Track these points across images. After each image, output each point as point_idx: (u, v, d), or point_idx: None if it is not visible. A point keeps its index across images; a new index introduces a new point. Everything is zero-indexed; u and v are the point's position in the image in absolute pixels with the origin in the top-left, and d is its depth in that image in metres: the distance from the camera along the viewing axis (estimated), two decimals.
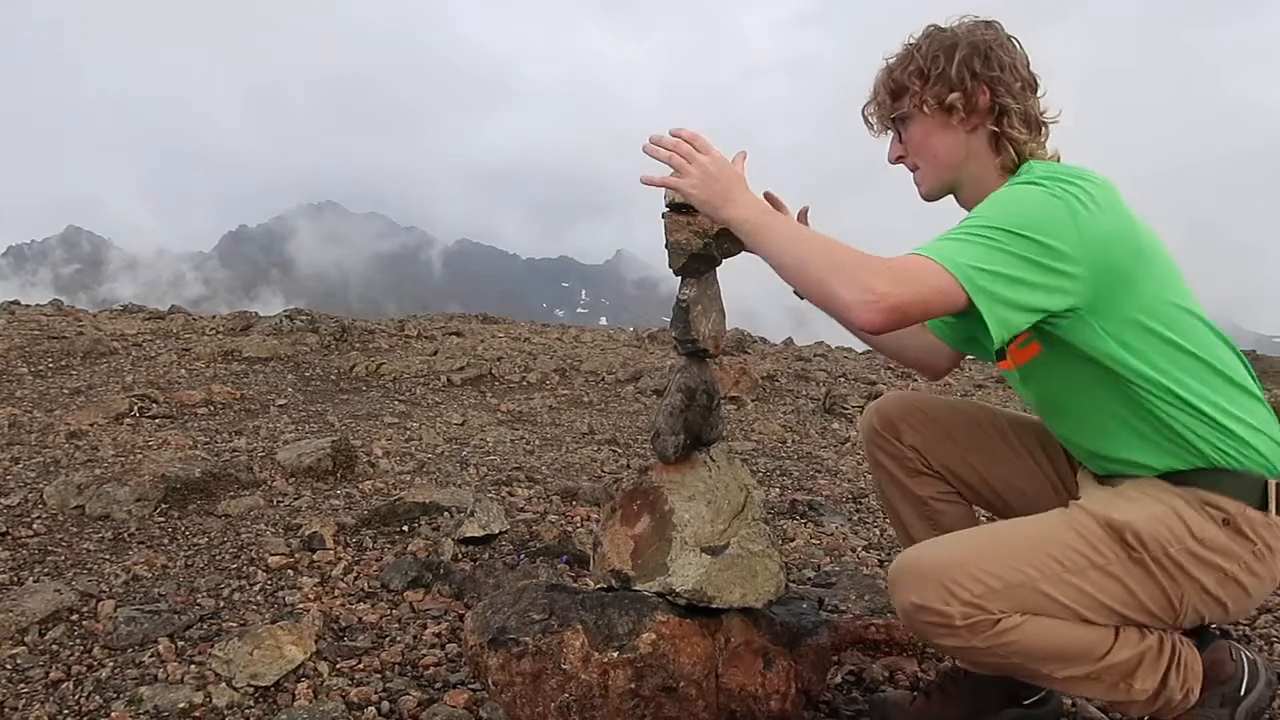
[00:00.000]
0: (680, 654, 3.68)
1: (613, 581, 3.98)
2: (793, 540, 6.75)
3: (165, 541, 6.41)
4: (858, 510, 7.77)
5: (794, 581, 5.39)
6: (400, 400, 13.05)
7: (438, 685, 4.42)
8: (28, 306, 21.17)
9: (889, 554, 6.47)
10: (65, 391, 12.20)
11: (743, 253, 4.00)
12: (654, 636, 3.66)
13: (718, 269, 4.03)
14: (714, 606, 3.83)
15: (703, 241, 3.83)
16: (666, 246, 3.89)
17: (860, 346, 25.64)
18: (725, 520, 3.92)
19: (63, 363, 14.15)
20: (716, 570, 3.82)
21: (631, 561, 3.93)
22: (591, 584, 4.23)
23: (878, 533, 7.05)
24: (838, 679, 4.47)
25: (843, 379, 16.92)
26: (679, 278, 3.95)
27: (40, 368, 13.69)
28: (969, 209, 3.40)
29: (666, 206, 3.92)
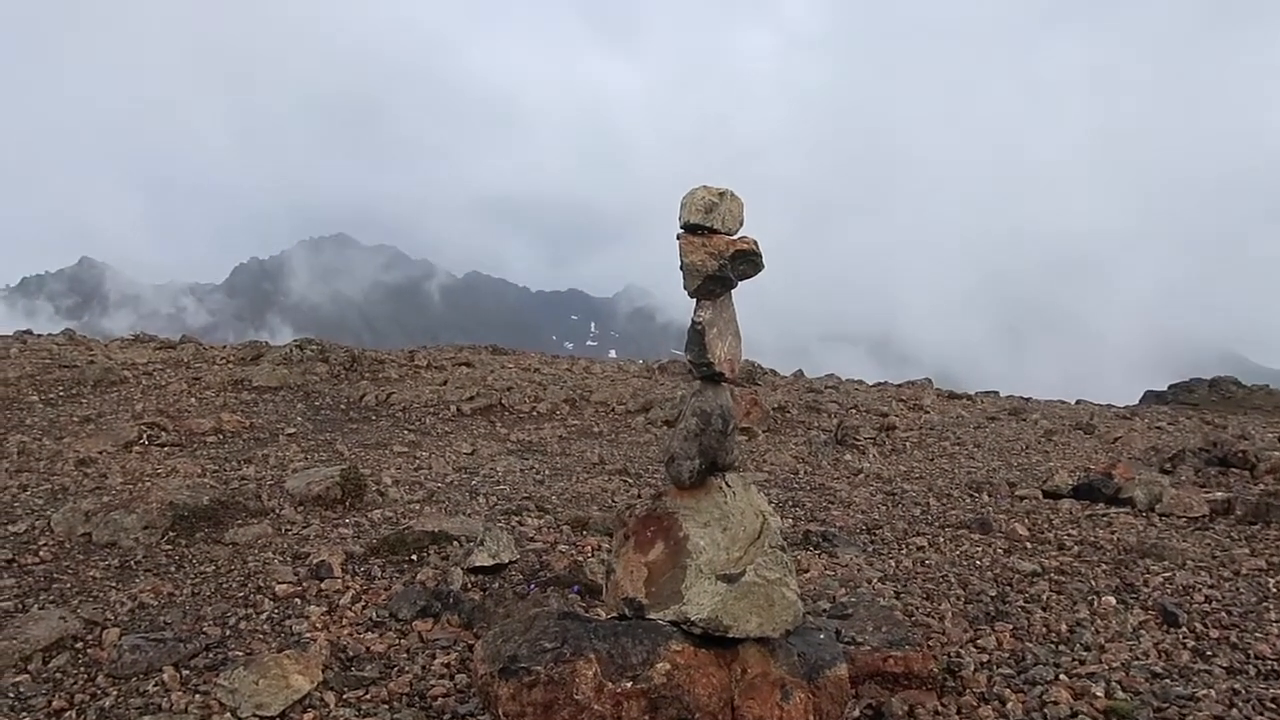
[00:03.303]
0: (696, 684, 3.59)
1: (626, 610, 3.90)
2: (807, 571, 6.65)
3: (172, 569, 6.34)
4: (872, 541, 7.66)
5: (809, 613, 5.30)
6: (410, 429, 13.01)
7: (446, 716, 4.33)
8: (40, 336, 21.26)
9: (905, 585, 6.36)
10: (75, 419, 12.18)
11: (758, 275, 3.96)
12: (669, 666, 3.57)
13: (733, 291, 3.99)
14: (730, 636, 3.75)
15: (718, 263, 3.79)
16: (681, 268, 3.85)
17: (871, 378, 25.53)
18: (741, 547, 3.84)
19: (73, 391, 14.16)
20: (732, 599, 3.74)
21: (645, 589, 3.85)
22: (604, 613, 4.15)
23: (893, 564, 6.94)
24: (856, 712, 4.37)
25: (854, 410, 16.82)
26: (694, 300, 3.90)
27: (51, 396, 13.70)
28: None
29: (680, 228, 3.88)
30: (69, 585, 5.95)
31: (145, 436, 10.91)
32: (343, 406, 14.37)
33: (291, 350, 17.01)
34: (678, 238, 3.88)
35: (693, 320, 3.87)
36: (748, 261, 3.87)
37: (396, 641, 5.18)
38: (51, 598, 5.70)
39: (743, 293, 4.07)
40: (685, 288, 3.86)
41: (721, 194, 3.84)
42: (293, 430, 12.30)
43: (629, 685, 3.51)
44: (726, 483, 3.97)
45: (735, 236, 3.88)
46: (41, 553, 6.54)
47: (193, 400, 14.04)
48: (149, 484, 8.38)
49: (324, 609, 5.58)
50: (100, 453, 10.03)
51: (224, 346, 20.14)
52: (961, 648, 5.20)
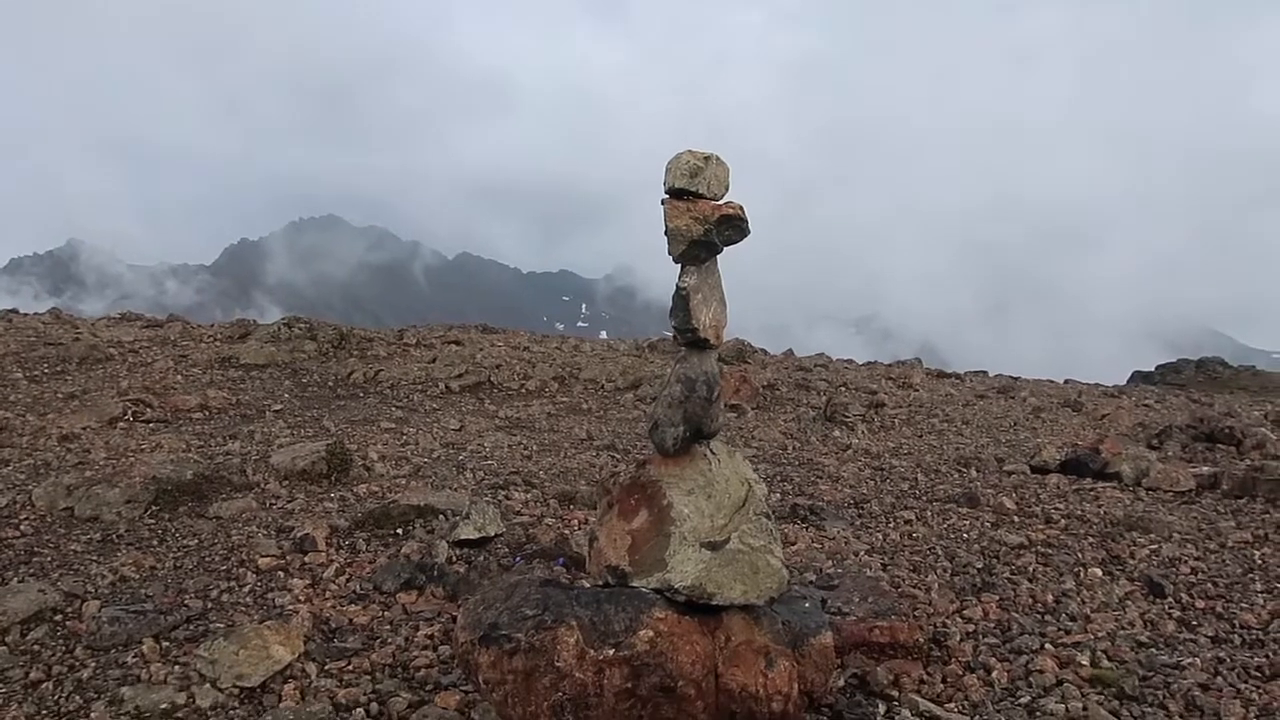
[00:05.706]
0: (679, 652, 3.56)
1: (609, 578, 3.86)
2: (794, 544, 6.63)
3: (154, 543, 6.28)
4: (860, 515, 7.65)
5: (796, 584, 5.27)
6: (398, 406, 12.94)
7: (429, 687, 4.29)
8: (25, 314, 21.06)
9: (892, 558, 6.35)
10: (59, 396, 12.07)
11: (743, 240, 3.90)
12: (651, 634, 3.54)
13: (718, 257, 3.93)
14: (714, 604, 3.71)
15: (703, 228, 3.73)
16: (666, 233, 3.79)
17: (861, 357, 25.53)
18: (726, 515, 3.80)
19: (58, 368, 14.03)
20: (716, 566, 3.71)
21: (629, 557, 3.81)
22: (588, 583, 4.12)
23: (880, 537, 6.92)
24: (841, 682, 4.34)
25: (844, 388, 16.81)
26: (679, 265, 3.84)
27: (35, 373, 13.58)
28: None
29: (665, 193, 3.82)
30: (49, 559, 5.89)
31: (130, 413, 10.83)
32: (330, 384, 14.30)
33: (279, 328, 16.90)
34: (662, 203, 3.82)
35: (677, 286, 3.81)
36: (733, 227, 3.81)
37: (380, 614, 5.14)
38: (31, 571, 5.64)
39: (724, 269, 4.01)
40: (669, 253, 3.81)
41: (707, 158, 3.78)
42: (279, 407, 12.22)
43: (611, 653, 3.47)
44: (711, 450, 3.94)
45: (721, 201, 3.82)
46: (22, 526, 6.47)
47: (179, 378, 13.93)
48: (132, 459, 8.31)
49: (307, 582, 5.54)
50: (84, 429, 9.95)
51: (211, 325, 20.01)
52: (947, 618, 5.19)
